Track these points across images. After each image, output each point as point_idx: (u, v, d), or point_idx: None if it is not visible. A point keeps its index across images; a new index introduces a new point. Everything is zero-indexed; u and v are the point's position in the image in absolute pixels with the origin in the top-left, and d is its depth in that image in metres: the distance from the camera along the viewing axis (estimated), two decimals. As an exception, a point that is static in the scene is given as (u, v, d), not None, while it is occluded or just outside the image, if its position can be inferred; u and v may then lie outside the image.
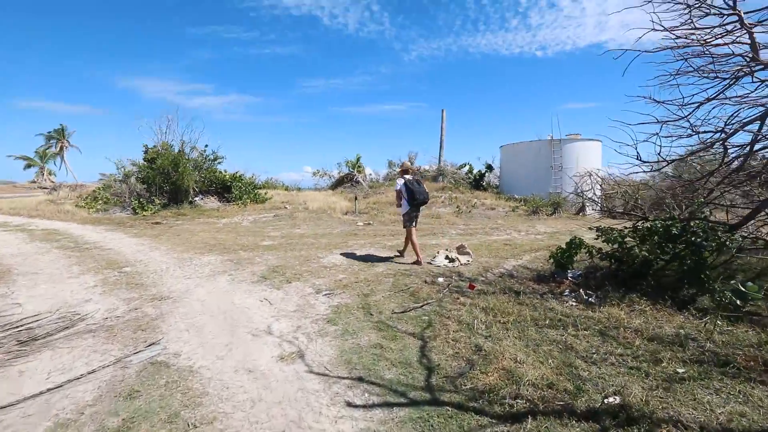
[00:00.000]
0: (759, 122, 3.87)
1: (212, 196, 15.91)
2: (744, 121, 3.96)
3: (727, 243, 3.85)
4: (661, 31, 3.98)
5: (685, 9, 3.90)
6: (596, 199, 14.70)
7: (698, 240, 3.82)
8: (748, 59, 3.72)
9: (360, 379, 2.40)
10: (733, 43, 3.82)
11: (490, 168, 21.08)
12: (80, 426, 1.97)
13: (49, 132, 49.21)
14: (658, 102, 4.33)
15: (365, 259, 6.07)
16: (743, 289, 3.09)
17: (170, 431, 1.91)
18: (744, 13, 3.68)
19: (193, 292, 4.26)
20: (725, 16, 3.77)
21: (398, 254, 6.29)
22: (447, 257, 5.83)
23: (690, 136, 4.39)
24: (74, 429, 1.95)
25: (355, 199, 14.07)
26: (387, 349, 2.81)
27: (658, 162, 4.52)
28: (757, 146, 4.03)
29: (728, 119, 4.04)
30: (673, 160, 4.44)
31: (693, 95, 4.19)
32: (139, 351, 2.77)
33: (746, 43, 3.75)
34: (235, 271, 5.25)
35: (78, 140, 50.99)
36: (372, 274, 5.03)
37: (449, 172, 22.11)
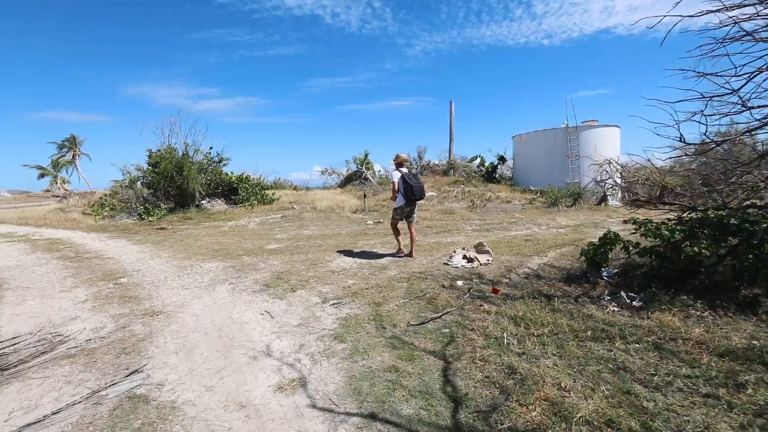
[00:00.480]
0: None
1: (219, 198, 15.69)
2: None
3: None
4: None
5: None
6: (623, 185, 14.03)
7: (759, 231, 3.30)
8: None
9: (372, 417, 1.99)
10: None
11: (502, 159, 20.45)
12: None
13: (62, 141, 49.98)
14: (700, 75, 3.79)
15: (376, 261, 5.66)
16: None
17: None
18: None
19: (189, 306, 3.91)
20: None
21: (407, 255, 5.89)
22: (465, 257, 5.38)
23: (740, 112, 3.85)
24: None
25: (364, 196, 13.67)
26: (403, 374, 2.40)
27: (703, 143, 4.00)
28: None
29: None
30: (723, 140, 3.90)
31: (742, 65, 3.66)
32: (118, 382, 2.41)
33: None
34: (237, 279, 4.90)
35: (89, 148, 51.70)
36: (384, 279, 4.61)
37: (460, 165, 21.53)
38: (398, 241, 5.98)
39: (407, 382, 2.29)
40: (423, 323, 3.23)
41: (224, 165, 16.10)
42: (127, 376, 2.49)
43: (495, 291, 4.01)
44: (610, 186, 13.97)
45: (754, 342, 2.55)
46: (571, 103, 19.63)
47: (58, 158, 47.79)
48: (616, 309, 3.38)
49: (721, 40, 3.63)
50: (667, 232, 3.79)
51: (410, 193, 5.49)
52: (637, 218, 4.29)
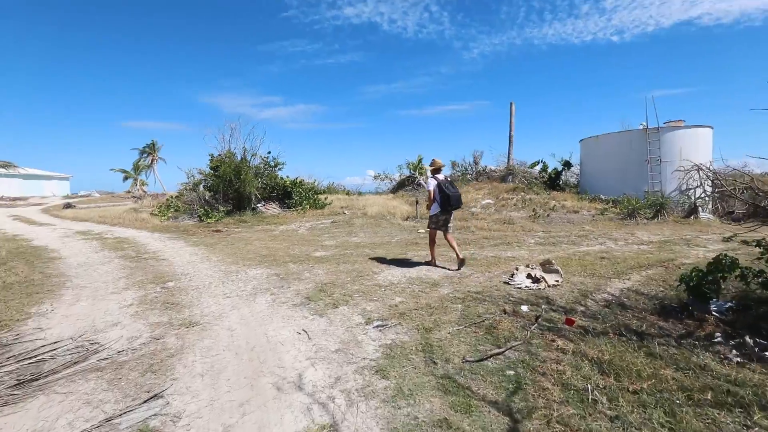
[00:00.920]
0: None
1: (274, 202, 16.10)
2: None
3: None
4: None
5: None
6: (716, 195, 12.10)
7: None
8: None
9: (417, 498, 1.53)
10: None
11: (567, 165, 18.91)
12: None
13: (143, 147, 55.50)
14: None
15: (427, 275, 5.18)
16: None
17: None
18: None
19: (226, 317, 3.72)
20: None
21: (433, 265, 5.77)
22: (529, 276, 4.72)
23: None
24: None
25: (416, 203, 13.20)
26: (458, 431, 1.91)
27: None
28: None
29: None
30: None
31: None
32: (134, 408, 2.18)
33: None
34: (279, 289, 4.68)
35: (165, 153, 56.54)
36: (435, 298, 4.13)
37: (520, 171, 20.26)
38: (432, 251, 5.81)
39: (463, 448, 1.81)
40: (482, 360, 2.70)
41: (279, 169, 16.54)
42: (145, 401, 2.26)
43: (569, 322, 3.36)
44: (701, 196, 12.21)
45: None
46: (651, 102, 17.66)
47: (138, 162, 53.04)
48: (739, 360, 2.60)
49: None
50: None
51: (447, 202, 5.32)
52: (752, 238, 3.40)
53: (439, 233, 5.79)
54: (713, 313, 3.39)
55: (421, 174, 24.06)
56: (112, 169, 51.72)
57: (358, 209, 14.15)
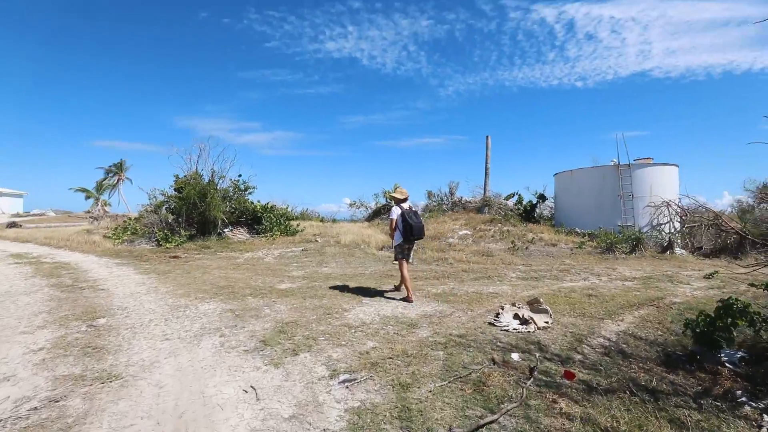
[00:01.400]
0: None
1: (242, 227, 15.26)
2: None
3: None
4: None
5: None
6: (685, 231, 12.30)
7: None
8: None
9: None
10: None
11: (542, 198, 19.15)
12: None
13: (109, 166, 53.08)
14: None
15: (403, 314, 4.64)
16: None
17: None
18: None
19: (158, 368, 3.02)
20: None
21: (394, 288, 5.90)
22: (516, 316, 4.27)
23: None
24: None
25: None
26: None
27: None
28: None
29: None
30: None
31: None
32: None
33: None
34: (232, 329, 4.00)
35: (134, 173, 54.23)
36: (413, 343, 3.58)
37: (496, 202, 20.39)
38: (407, 287, 5.43)
39: None
40: (473, 431, 2.17)
41: (250, 193, 15.77)
42: None
43: (569, 376, 2.88)
44: (673, 231, 12.40)
45: None
46: (622, 140, 18.35)
47: (102, 181, 50.52)
48: (776, 429, 2.18)
49: None
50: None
51: (409, 232, 5.26)
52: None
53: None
54: (725, 364, 3.02)
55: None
56: (71, 188, 48.95)
57: (331, 237, 13.55)
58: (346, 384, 2.76)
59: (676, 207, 13.19)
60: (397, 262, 5.53)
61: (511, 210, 19.73)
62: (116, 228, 14.13)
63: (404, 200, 5.53)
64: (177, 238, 12.40)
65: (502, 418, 2.32)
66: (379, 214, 22.82)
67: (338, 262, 9.15)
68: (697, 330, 3.22)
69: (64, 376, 2.84)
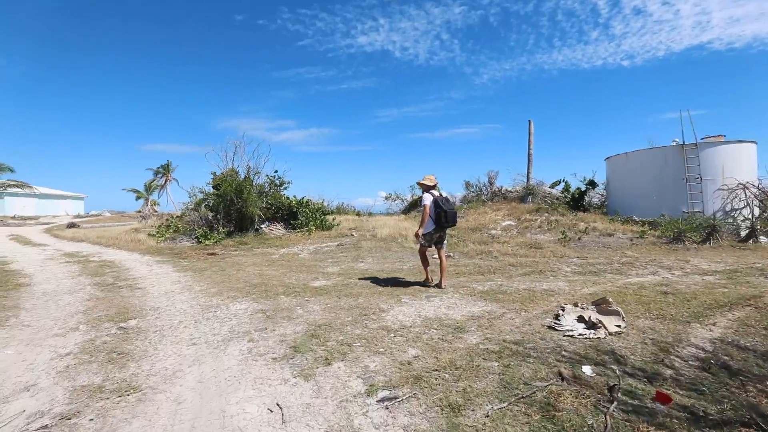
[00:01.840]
0: None
1: (278, 222, 15.37)
2: None
3: None
4: None
5: None
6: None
7: None
8: None
9: None
10: None
11: (592, 184, 17.82)
12: None
13: (157, 167, 56.22)
14: None
15: (447, 314, 4.19)
16: None
17: None
18: None
19: (181, 378, 2.77)
20: None
21: (436, 286, 5.58)
22: (581, 318, 3.68)
23: None
24: None
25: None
26: None
27: None
28: None
29: None
30: None
31: None
32: None
33: None
34: (261, 332, 3.74)
35: (179, 174, 57.13)
36: (461, 351, 3.12)
37: (540, 191, 19.25)
38: (426, 271, 5.74)
39: None
40: (549, 479, 1.69)
41: (285, 188, 15.87)
42: None
43: (663, 398, 2.32)
44: (754, 218, 10.95)
45: None
46: (688, 118, 16.59)
47: (151, 182, 53.54)
48: None
49: None
50: None
51: (443, 218, 5.28)
52: None
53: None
54: None
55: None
56: (124, 189, 52.28)
57: (367, 231, 13.29)
58: (385, 403, 2.36)
59: (755, 190, 11.66)
60: (419, 249, 5.69)
61: (557, 199, 18.56)
62: (160, 226, 14.63)
63: (433, 187, 5.53)
64: (216, 234, 12.60)
65: (584, 458, 1.82)
66: (415, 206, 22.36)
67: (375, 257, 8.82)
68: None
69: (83, 386, 2.66)
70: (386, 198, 27.25)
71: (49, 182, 50.26)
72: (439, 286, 5.54)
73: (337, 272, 7.04)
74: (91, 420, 2.23)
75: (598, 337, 3.38)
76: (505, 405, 2.30)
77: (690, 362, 2.88)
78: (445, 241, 5.71)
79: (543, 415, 2.19)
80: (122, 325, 4.01)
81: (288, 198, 15.71)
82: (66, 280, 6.69)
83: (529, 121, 20.12)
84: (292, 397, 2.47)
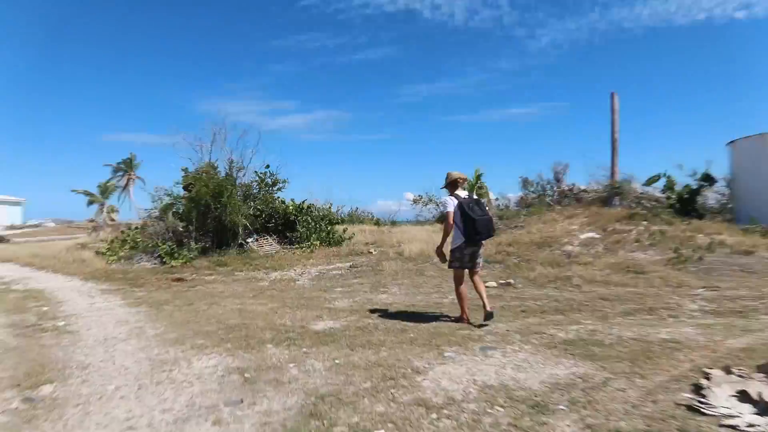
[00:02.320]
0: None
1: (270, 235, 15.26)
2: None
3: None
4: None
5: None
6: None
7: None
8: None
9: None
10: None
11: (708, 180, 16.78)
12: None
13: (117, 163, 57.53)
14: None
15: (517, 379, 3.67)
16: None
17: None
18: None
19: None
20: None
21: (470, 323, 5.59)
22: (744, 395, 3.04)
23: None
24: None
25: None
26: None
27: None
28: None
29: None
30: None
31: None
32: None
33: None
34: (235, 408, 3.29)
35: (147, 171, 58.21)
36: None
37: (631, 190, 18.29)
38: (463, 306, 5.67)
39: None
40: None
41: (280, 190, 15.92)
42: None
43: None
44: None
45: None
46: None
47: (108, 182, 54.84)
48: None
49: None
50: None
51: (472, 229, 5.17)
52: None
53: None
54: None
55: (481, 197, 22.66)
56: (73, 191, 53.27)
57: (390, 247, 13.06)
58: None
59: None
60: (453, 273, 5.65)
61: (656, 201, 17.63)
62: (112, 241, 14.65)
63: (456, 186, 5.57)
64: (185, 252, 12.60)
65: None
66: (456, 212, 21.84)
67: (402, 286, 8.50)
68: None
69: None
70: (414, 201, 26.77)
71: (-24, 185, 52.31)
72: (488, 317, 5.42)
73: (350, 308, 6.76)
74: None
75: (778, 428, 2.73)
76: None
77: None
78: (479, 260, 5.72)
79: None
80: (29, 394, 3.63)
81: (284, 202, 15.71)
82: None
83: (612, 94, 19.21)
84: None
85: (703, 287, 7.23)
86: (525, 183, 23.37)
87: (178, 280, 9.75)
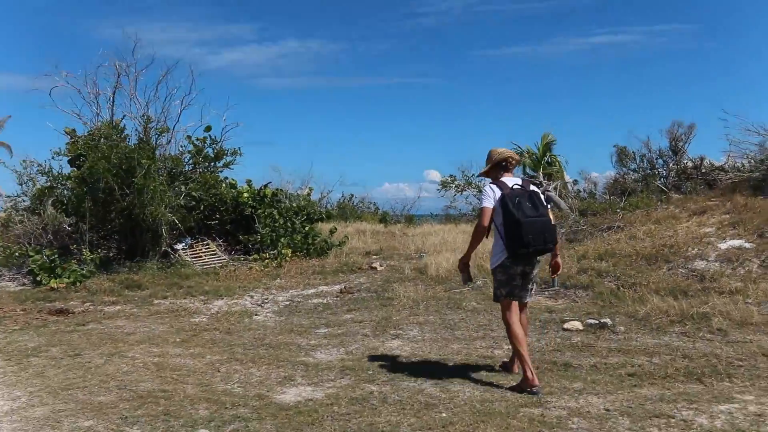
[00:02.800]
0: None
1: (213, 238, 15.42)
2: None
3: None
4: None
5: None
6: None
7: None
8: None
9: None
10: None
11: None
12: None
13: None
14: None
15: None
16: None
17: None
18: None
19: None
20: None
21: (502, 368, 6.20)
22: None
23: None
24: None
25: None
26: None
27: None
28: None
29: None
30: None
31: None
32: None
33: None
34: None
35: (18, 134, 58.84)
36: None
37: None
38: (522, 358, 5.51)
39: None
40: None
41: (227, 166, 16.19)
42: None
43: None
44: None
45: None
46: None
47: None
48: None
49: None
50: None
51: (516, 236, 5.28)
52: None
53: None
54: None
55: (551, 178, 22.81)
56: None
57: (406, 259, 13.40)
58: None
59: None
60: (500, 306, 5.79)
61: None
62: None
63: (506, 168, 5.83)
64: (74, 266, 12.59)
65: None
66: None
67: (425, 326, 8.57)
68: None
69: None
70: (443, 185, 26.92)
71: None
72: (523, 389, 5.34)
73: (340, 363, 6.70)
74: None
75: None
76: None
77: None
78: (531, 286, 5.95)
79: None
80: None
81: (234, 187, 16.12)
82: None
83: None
84: None
85: None
86: (622, 156, 23.52)
87: (60, 312, 9.67)
